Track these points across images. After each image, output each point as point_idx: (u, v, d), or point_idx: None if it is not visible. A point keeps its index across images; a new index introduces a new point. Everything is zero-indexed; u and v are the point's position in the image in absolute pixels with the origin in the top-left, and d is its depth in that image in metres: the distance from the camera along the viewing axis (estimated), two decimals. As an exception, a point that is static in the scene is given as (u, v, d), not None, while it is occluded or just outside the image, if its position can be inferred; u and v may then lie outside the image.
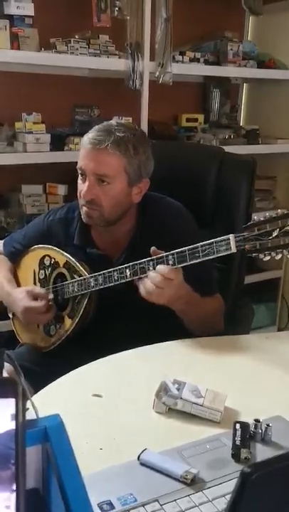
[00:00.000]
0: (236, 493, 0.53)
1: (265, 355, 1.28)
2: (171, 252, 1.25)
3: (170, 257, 1.26)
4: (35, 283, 1.61)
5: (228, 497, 0.71)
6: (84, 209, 1.43)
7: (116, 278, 1.35)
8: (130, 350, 1.25)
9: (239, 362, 1.25)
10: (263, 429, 0.92)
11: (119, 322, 1.45)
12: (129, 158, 1.38)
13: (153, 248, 1.29)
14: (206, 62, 2.68)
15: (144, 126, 2.43)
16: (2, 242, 1.76)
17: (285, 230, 1.09)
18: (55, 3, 2.38)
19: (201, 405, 0.99)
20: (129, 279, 1.33)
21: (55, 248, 1.54)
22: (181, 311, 1.37)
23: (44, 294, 1.50)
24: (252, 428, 0.92)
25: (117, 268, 1.35)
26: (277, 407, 1.02)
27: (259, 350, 1.31)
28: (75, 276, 1.46)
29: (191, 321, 1.41)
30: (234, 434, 0.90)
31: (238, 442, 0.89)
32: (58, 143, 2.29)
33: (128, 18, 2.37)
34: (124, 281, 1.34)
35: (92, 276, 1.41)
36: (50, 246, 1.56)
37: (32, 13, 2.15)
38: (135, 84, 2.39)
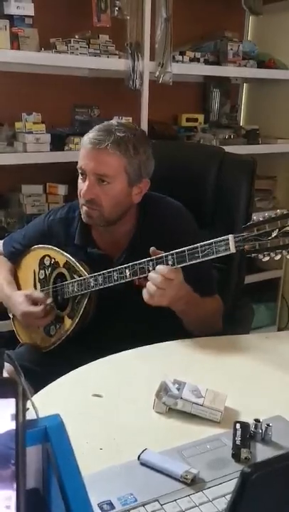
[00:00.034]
0: (236, 493, 0.53)
1: (265, 355, 1.28)
2: (171, 252, 1.25)
3: (169, 257, 1.26)
4: (35, 283, 1.61)
5: (229, 497, 0.71)
6: (84, 208, 1.43)
7: (116, 278, 1.36)
8: (130, 350, 1.25)
9: (239, 362, 1.25)
10: (263, 429, 0.92)
11: (119, 322, 1.45)
12: (129, 158, 1.38)
13: (152, 248, 1.29)
14: (206, 62, 2.68)
15: (144, 126, 2.43)
16: (2, 242, 1.76)
17: (285, 231, 1.09)
18: (55, 3, 2.38)
19: (201, 405, 0.99)
20: (129, 279, 1.33)
21: (55, 248, 1.54)
22: (181, 312, 1.37)
23: (43, 299, 1.49)
24: (252, 428, 0.92)
25: (117, 268, 1.35)
26: (277, 407, 1.02)
27: (259, 350, 1.31)
28: (75, 276, 1.46)
29: (190, 322, 1.41)
30: (234, 434, 0.90)
31: (238, 442, 0.89)
32: (58, 143, 2.29)
33: (128, 18, 2.37)
34: (123, 281, 1.34)
35: (92, 277, 1.41)
36: (50, 246, 1.56)
37: (32, 13, 2.15)
38: (135, 84, 2.39)
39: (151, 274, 1.26)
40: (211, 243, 1.19)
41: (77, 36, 2.31)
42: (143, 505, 0.76)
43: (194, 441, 0.91)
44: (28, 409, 0.56)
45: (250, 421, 0.93)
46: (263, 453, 0.89)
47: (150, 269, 1.28)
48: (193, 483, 0.81)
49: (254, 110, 3.24)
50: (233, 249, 1.16)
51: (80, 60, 2.31)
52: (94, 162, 1.37)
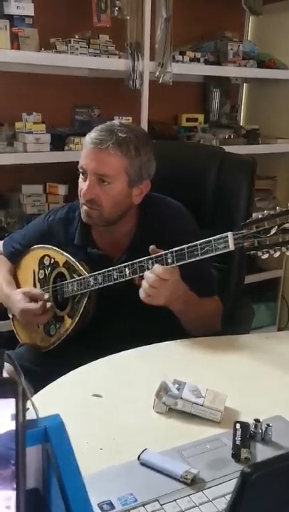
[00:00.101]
0: (236, 493, 0.53)
1: (265, 355, 1.28)
2: (170, 250, 1.26)
3: (169, 255, 1.26)
4: (34, 283, 1.61)
5: (228, 497, 0.71)
6: (84, 208, 1.43)
7: (115, 277, 1.36)
8: (130, 350, 1.25)
9: (239, 362, 1.25)
10: (263, 429, 0.92)
11: (119, 321, 1.45)
12: (130, 159, 1.38)
13: (152, 246, 1.30)
14: (206, 62, 2.68)
15: (144, 126, 2.43)
16: (2, 242, 1.76)
17: (283, 228, 1.09)
18: (55, 3, 2.38)
19: (201, 405, 0.99)
20: (129, 278, 1.33)
21: (55, 248, 1.54)
22: (179, 311, 1.37)
23: (40, 295, 1.50)
24: (252, 428, 0.92)
25: (117, 267, 1.36)
26: (277, 407, 1.02)
27: (259, 350, 1.31)
28: (75, 275, 1.46)
29: (189, 322, 1.41)
30: (234, 434, 0.90)
31: (238, 442, 0.89)
32: (58, 143, 2.29)
33: (128, 18, 2.37)
34: (123, 280, 1.34)
35: (91, 276, 1.41)
36: (49, 246, 1.56)
37: (32, 13, 2.15)
38: (135, 84, 2.39)
39: (146, 274, 1.27)
40: (210, 241, 1.19)
41: (77, 36, 2.31)
42: (143, 505, 0.76)
43: (194, 441, 0.91)
44: (28, 409, 0.56)
45: (250, 421, 0.93)
46: (263, 453, 0.89)
47: (150, 267, 1.28)
48: (193, 483, 0.81)
49: (254, 110, 3.24)
50: (232, 247, 1.16)
51: (80, 60, 2.31)
52: (95, 162, 1.37)
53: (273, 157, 2.94)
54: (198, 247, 1.21)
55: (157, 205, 1.51)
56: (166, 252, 1.27)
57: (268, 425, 0.92)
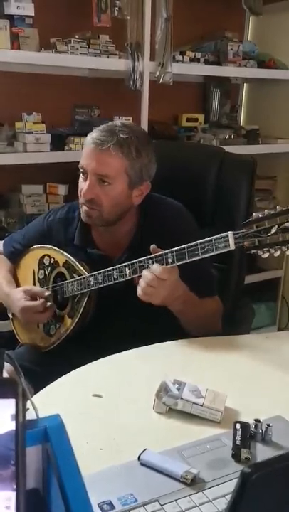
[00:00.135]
0: (236, 493, 0.53)
1: (265, 355, 1.28)
2: (170, 249, 1.26)
3: (169, 254, 1.26)
4: (34, 283, 1.61)
5: (229, 497, 0.71)
6: (83, 208, 1.43)
7: (115, 277, 1.36)
8: (130, 350, 1.25)
9: (239, 362, 1.25)
10: (264, 429, 0.92)
11: (119, 321, 1.45)
12: (131, 160, 1.38)
13: (153, 246, 1.30)
14: (206, 62, 2.68)
15: (145, 126, 2.43)
16: (2, 242, 1.76)
17: (284, 227, 1.09)
18: (55, 3, 2.38)
19: (202, 405, 0.99)
20: (129, 278, 1.33)
21: (55, 248, 1.54)
22: (178, 312, 1.37)
23: (41, 293, 1.50)
24: (252, 428, 0.92)
25: (117, 267, 1.36)
26: (277, 407, 1.02)
27: (259, 350, 1.31)
28: (75, 275, 1.46)
29: (189, 322, 1.41)
30: (234, 434, 0.90)
31: (238, 442, 0.88)
32: (58, 143, 2.29)
33: (128, 18, 2.37)
34: (123, 279, 1.34)
35: (91, 275, 1.41)
36: (49, 246, 1.56)
37: (32, 13, 2.15)
38: (135, 84, 2.39)
39: (144, 272, 1.27)
40: (211, 240, 1.19)
41: (77, 36, 2.31)
42: (143, 506, 0.76)
43: (194, 442, 0.91)
44: (28, 409, 0.56)
45: (251, 421, 0.93)
46: (263, 453, 0.89)
47: (150, 267, 1.28)
48: (194, 483, 0.81)
49: (254, 110, 3.24)
50: (232, 246, 1.16)
51: (80, 60, 2.31)
52: (95, 162, 1.37)
53: (273, 157, 2.94)
54: (199, 246, 1.21)
55: (157, 206, 1.51)
56: (166, 251, 1.27)
57: (268, 425, 0.92)
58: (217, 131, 2.82)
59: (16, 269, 1.69)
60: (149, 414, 1.01)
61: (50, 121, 2.35)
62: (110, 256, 1.49)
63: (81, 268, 1.45)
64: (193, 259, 1.22)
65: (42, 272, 1.58)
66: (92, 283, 1.41)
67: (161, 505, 0.76)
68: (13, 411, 0.49)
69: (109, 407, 1.04)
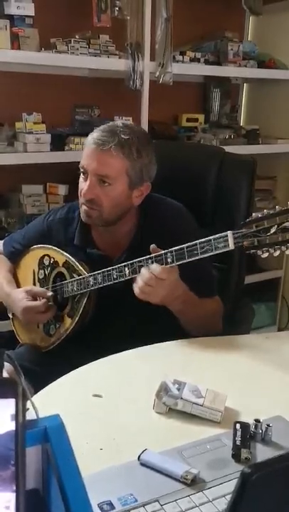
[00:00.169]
0: (236, 493, 0.53)
1: (265, 355, 1.28)
2: (170, 249, 1.26)
3: (169, 254, 1.26)
4: (34, 283, 1.61)
5: (229, 497, 0.71)
6: (83, 208, 1.43)
7: (115, 276, 1.36)
8: (130, 350, 1.25)
9: (239, 362, 1.25)
10: (264, 429, 0.92)
11: (119, 321, 1.45)
12: (131, 161, 1.38)
13: (152, 246, 1.30)
14: (207, 62, 2.68)
15: (145, 126, 2.43)
16: (2, 242, 1.76)
17: (283, 227, 1.08)
18: (56, 3, 2.38)
19: (202, 405, 0.98)
20: (128, 278, 1.33)
21: (55, 248, 1.54)
22: (178, 311, 1.37)
23: (43, 293, 1.50)
24: (252, 428, 0.92)
25: (116, 266, 1.36)
26: (277, 407, 1.02)
27: (259, 350, 1.31)
28: (74, 275, 1.46)
29: (188, 322, 1.41)
30: (234, 434, 0.90)
31: (238, 442, 0.88)
32: (58, 143, 2.29)
33: (128, 18, 2.37)
34: (123, 279, 1.34)
35: (91, 275, 1.41)
36: (49, 246, 1.56)
37: (32, 13, 2.15)
38: (135, 84, 2.39)
39: (143, 270, 1.27)
40: (210, 240, 1.19)
41: (77, 36, 2.30)
42: (143, 506, 0.76)
43: (194, 442, 0.91)
44: (28, 409, 0.56)
45: (251, 421, 0.93)
46: (263, 453, 0.89)
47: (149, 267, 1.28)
48: (194, 483, 0.81)
49: (254, 110, 3.24)
50: (231, 246, 1.16)
51: (80, 60, 2.30)
52: (96, 162, 1.37)
53: (273, 157, 2.94)
54: (198, 246, 1.21)
55: (157, 206, 1.51)
56: (165, 251, 1.27)
57: (268, 425, 0.92)
58: (217, 131, 2.82)
59: (16, 269, 1.69)
60: (149, 414, 1.01)
61: (51, 121, 2.35)
62: (110, 256, 1.49)
63: (81, 268, 1.45)
64: (193, 259, 1.22)
65: (42, 271, 1.58)
66: (91, 283, 1.41)
67: (161, 506, 0.76)
68: (13, 411, 0.49)
69: (109, 407, 1.03)
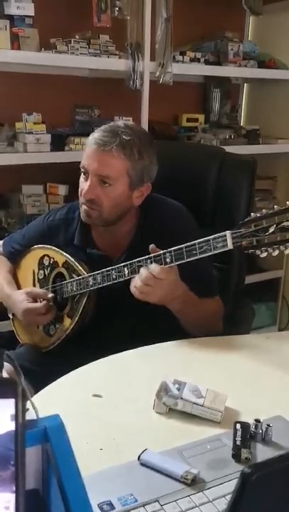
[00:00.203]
0: (237, 493, 0.53)
1: (265, 355, 1.28)
2: (169, 249, 1.26)
3: (167, 254, 1.26)
4: (34, 283, 1.61)
5: (229, 497, 0.71)
6: (83, 207, 1.43)
7: (114, 277, 1.36)
8: (131, 350, 1.25)
9: (239, 362, 1.25)
10: (264, 429, 0.92)
11: (119, 321, 1.45)
12: (133, 162, 1.38)
13: (152, 246, 1.30)
14: (207, 62, 2.67)
15: (145, 126, 2.42)
16: (2, 242, 1.76)
17: (282, 226, 1.08)
18: (56, 3, 2.38)
19: (202, 405, 0.98)
20: (128, 278, 1.33)
21: (54, 248, 1.54)
22: (178, 311, 1.37)
23: (44, 294, 1.50)
24: (252, 428, 0.92)
25: (116, 267, 1.36)
26: (277, 407, 1.02)
27: (259, 350, 1.31)
28: (74, 275, 1.46)
29: (188, 322, 1.41)
30: (235, 434, 0.90)
31: (238, 442, 0.88)
32: (58, 143, 2.29)
33: (128, 18, 2.37)
34: (122, 279, 1.34)
35: (90, 275, 1.41)
36: (49, 246, 1.56)
37: (32, 13, 2.15)
38: (135, 84, 2.39)
39: (141, 270, 1.27)
40: (209, 240, 1.19)
41: (77, 36, 2.31)
42: (143, 506, 0.76)
43: (194, 442, 0.91)
44: (28, 409, 0.56)
45: (251, 421, 0.93)
46: (263, 453, 0.89)
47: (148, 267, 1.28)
48: (194, 483, 0.81)
49: (254, 110, 3.23)
50: (230, 246, 1.15)
51: (80, 60, 2.30)
52: (97, 163, 1.37)
53: (273, 157, 2.94)
54: (197, 246, 1.21)
55: (158, 206, 1.51)
56: (164, 251, 1.27)
57: (269, 425, 0.92)
58: (217, 131, 2.82)
59: (16, 269, 1.69)
60: (149, 415, 1.01)
61: (51, 121, 2.35)
62: (110, 256, 1.49)
63: (80, 268, 1.45)
64: (191, 259, 1.22)
65: (42, 272, 1.58)
66: (91, 283, 1.41)
67: (162, 506, 0.76)
68: (13, 411, 0.49)
69: (109, 407, 1.03)
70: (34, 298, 1.50)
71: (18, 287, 1.64)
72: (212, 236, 1.19)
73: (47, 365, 1.39)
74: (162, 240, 1.31)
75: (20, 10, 2.12)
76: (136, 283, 1.28)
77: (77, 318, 1.46)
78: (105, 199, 1.39)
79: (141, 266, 1.29)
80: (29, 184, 2.44)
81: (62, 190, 2.46)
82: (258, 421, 0.92)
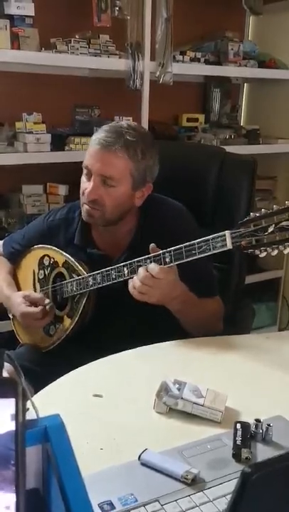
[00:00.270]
0: (237, 493, 0.53)
1: (265, 355, 1.28)
2: (168, 249, 1.26)
3: (167, 254, 1.26)
4: (34, 283, 1.61)
5: (229, 497, 0.71)
6: (85, 207, 1.43)
7: (114, 276, 1.36)
8: (130, 350, 1.25)
9: (240, 362, 1.25)
10: (264, 429, 0.92)
11: (119, 321, 1.45)
12: (136, 162, 1.38)
13: (152, 245, 1.30)
14: (207, 62, 2.67)
15: (145, 126, 2.42)
16: (2, 242, 1.76)
17: (281, 226, 1.08)
18: (56, 3, 2.38)
19: (202, 405, 0.98)
20: (127, 278, 1.33)
21: (54, 248, 1.54)
22: (177, 311, 1.37)
23: (40, 300, 1.49)
24: (253, 428, 0.92)
25: (115, 266, 1.36)
26: (277, 407, 1.02)
27: (260, 350, 1.31)
28: (74, 275, 1.46)
29: (188, 322, 1.41)
30: (235, 434, 0.90)
31: (238, 442, 0.88)
32: (58, 143, 2.29)
33: (128, 17, 2.37)
34: (122, 279, 1.34)
35: (90, 275, 1.41)
36: (49, 246, 1.56)
37: (32, 13, 2.15)
38: (136, 84, 2.39)
39: (140, 270, 1.27)
40: (208, 239, 1.19)
41: (77, 36, 2.30)
42: (143, 506, 0.76)
43: (195, 442, 0.91)
44: (28, 409, 0.56)
45: (251, 421, 0.93)
46: (263, 453, 0.89)
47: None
48: (194, 483, 0.81)
49: (254, 110, 3.23)
50: (229, 245, 1.15)
51: (81, 60, 2.30)
52: (101, 163, 1.37)
53: (274, 157, 2.94)
54: (196, 246, 1.21)
55: (158, 206, 1.51)
56: (164, 251, 1.27)
57: (269, 425, 0.92)
58: (217, 131, 2.82)
59: (16, 269, 1.69)
60: (150, 414, 1.01)
61: (51, 121, 2.35)
62: (110, 256, 1.49)
63: (80, 268, 1.45)
64: (191, 258, 1.22)
65: (42, 272, 1.58)
66: (91, 283, 1.41)
67: (162, 505, 0.76)
68: (13, 411, 0.49)
69: (109, 407, 1.03)
70: (32, 302, 1.50)
71: (19, 287, 1.64)
72: (211, 236, 1.19)
73: (47, 365, 1.39)
74: (162, 240, 1.31)
75: (20, 10, 2.12)
76: (135, 283, 1.27)
77: (77, 319, 1.46)
78: (108, 199, 1.39)
79: (140, 265, 1.29)
80: (29, 184, 2.44)
81: (62, 190, 2.46)
82: (258, 421, 0.92)
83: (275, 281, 3.17)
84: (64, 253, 1.51)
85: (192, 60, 2.62)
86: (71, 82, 2.52)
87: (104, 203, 1.39)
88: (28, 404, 0.59)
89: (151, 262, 1.28)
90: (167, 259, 1.26)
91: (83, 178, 1.43)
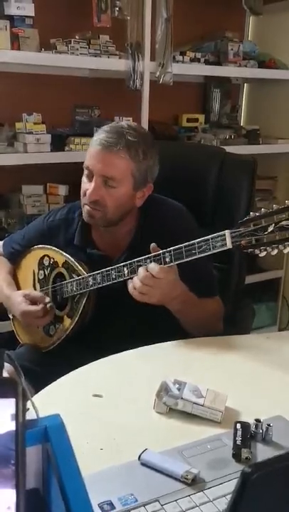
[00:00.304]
0: (237, 493, 0.53)
1: (265, 355, 1.28)
2: (168, 249, 1.26)
3: (167, 254, 1.26)
4: (34, 283, 1.61)
5: (229, 497, 0.71)
6: (86, 208, 1.43)
7: (114, 276, 1.36)
8: (131, 350, 1.25)
9: (240, 362, 1.25)
10: (264, 429, 0.92)
11: (119, 321, 1.45)
12: (137, 162, 1.38)
13: (153, 245, 1.30)
14: (207, 62, 2.67)
15: (145, 127, 2.42)
16: (2, 242, 1.76)
17: (281, 225, 1.08)
18: (56, 4, 2.38)
19: (202, 405, 0.98)
20: (127, 278, 1.33)
21: (54, 248, 1.54)
22: (177, 311, 1.37)
23: (41, 298, 1.49)
24: (253, 428, 0.92)
25: (115, 266, 1.36)
26: (277, 407, 1.02)
27: (260, 350, 1.31)
28: (74, 275, 1.46)
29: (188, 322, 1.41)
30: (235, 434, 0.90)
31: (238, 442, 0.88)
32: (58, 143, 2.29)
33: (128, 18, 2.37)
34: (122, 279, 1.34)
35: (90, 275, 1.41)
36: (49, 246, 1.56)
37: (32, 14, 2.15)
38: (136, 84, 2.39)
39: (140, 269, 1.27)
40: (208, 239, 1.19)
41: (77, 36, 2.31)
42: (143, 506, 0.76)
43: (195, 442, 0.91)
44: (28, 409, 0.56)
45: (251, 421, 0.93)
46: (263, 453, 0.89)
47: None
48: (194, 483, 0.81)
49: (254, 110, 3.24)
50: (229, 245, 1.15)
51: (81, 61, 2.30)
52: (102, 164, 1.37)
53: (274, 157, 2.94)
54: (196, 245, 1.21)
55: (158, 206, 1.51)
56: (164, 251, 1.27)
57: (269, 425, 0.92)
58: (217, 132, 2.82)
59: (16, 269, 1.69)
60: (150, 414, 1.01)
61: (51, 121, 2.35)
62: (110, 256, 1.49)
63: (80, 268, 1.45)
64: (191, 258, 1.22)
65: (42, 272, 1.58)
66: (91, 283, 1.41)
67: (162, 505, 0.76)
68: (13, 411, 0.49)
69: (109, 407, 1.03)
70: (32, 300, 1.50)
71: (19, 287, 1.64)
72: (211, 235, 1.19)
73: (47, 365, 1.39)
74: (162, 240, 1.31)
75: (20, 10, 2.12)
76: (135, 283, 1.27)
77: (77, 319, 1.46)
78: (109, 200, 1.39)
79: (140, 265, 1.29)
80: (29, 184, 2.45)
81: (62, 190, 2.46)
82: (258, 421, 0.92)
83: (275, 281, 3.17)
84: (64, 253, 1.51)
85: (192, 60, 2.62)
86: (71, 82, 2.52)
87: (106, 203, 1.39)
88: (28, 404, 0.59)
89: (151, 261, 1.28)
90: (167, 259, 1.26)
91: (84, 179, 1.42)
